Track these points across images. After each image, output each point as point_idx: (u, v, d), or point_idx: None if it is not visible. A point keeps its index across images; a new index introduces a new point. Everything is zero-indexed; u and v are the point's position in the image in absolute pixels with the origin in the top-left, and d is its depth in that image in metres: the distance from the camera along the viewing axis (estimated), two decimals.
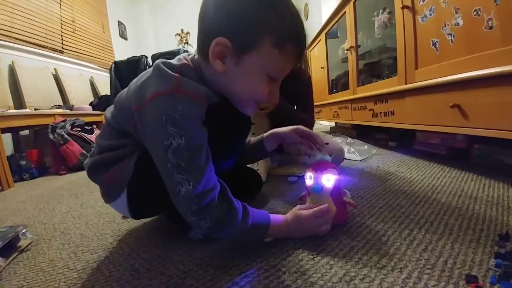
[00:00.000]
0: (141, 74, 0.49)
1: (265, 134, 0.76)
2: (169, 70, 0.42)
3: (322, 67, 2.36)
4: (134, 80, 0.50)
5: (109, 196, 0.56)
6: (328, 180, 0.57)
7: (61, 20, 2.61)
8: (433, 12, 0.92)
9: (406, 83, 1.12)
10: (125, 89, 0.52)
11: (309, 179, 0.60)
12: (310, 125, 1.15)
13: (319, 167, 0.59)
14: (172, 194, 0.42)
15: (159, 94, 0.40)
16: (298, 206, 0.57)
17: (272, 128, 1.13)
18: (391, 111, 1.26)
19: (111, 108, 0.56)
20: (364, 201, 0.71)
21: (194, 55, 0.49)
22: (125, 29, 4.14)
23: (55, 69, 2.46)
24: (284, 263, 0.47)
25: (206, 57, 0.42)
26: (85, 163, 0.57)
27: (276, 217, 0.53)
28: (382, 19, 1.42)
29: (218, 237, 0.54)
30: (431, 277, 0.38)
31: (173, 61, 0.47)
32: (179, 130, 0.39)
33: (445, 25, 0.87)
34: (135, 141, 0.50)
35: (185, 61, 0.46)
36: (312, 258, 0.47)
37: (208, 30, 0.42)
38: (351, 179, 0.94)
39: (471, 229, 0.51)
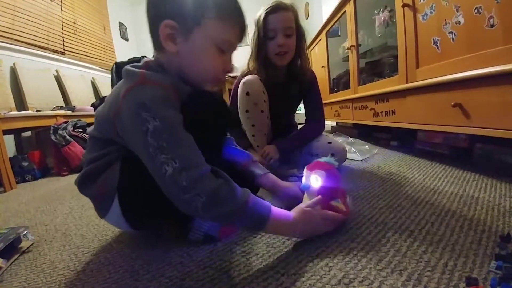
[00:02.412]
0: (114, 87, 0.52)
1: (261, 176, 0.72)
2: (134, 69, 0.47)
3: (323, 66, 2.36)
4: (108, 95, 0.53)
5: (102, 208, 0.55)
6: (316, 180, 0.57)
7: (62, 21, 2.62)
8: (433, 10, 0.92)
9: (407, 82, 1.11)
10: (103, 104, 0.55)
11: (304, 177, 0.61)
12: (320, 131, 1.12)
13: (314, 166, 0.59)
14: (160, 178, 0.41)
15: (128, 90, 0.43)
16: (302, 204, 0.55)
17: (273, 130, 1.13)
18: (392, 111, 1.25)
19: (93, 126, 0.57)
20: (365, 202, 0.71)
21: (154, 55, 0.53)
22: (126, 30, 4.15)
23: (56, 70, 2.47)
24: (283, 265, 0.47)
25: (160, 46, 0.47)
26: (75, 181, 0.57)
27: (280, 210, 0.50)
28: (383, 18, 1.41)
29: (217, 220, 0.48)
30: (431, 279, 0.38)
31: (138, 64, 0.51)
32: (151, 113, 0.40)
33: (446, 23, 0.86)
34: (119, 146, 0.51)
35: (148, 60, 0.51)
36: (311, 260, 0.47)
37: (153, 19, 0.46)
38: (348, 182, 0.94)
39: (472, 230, 0.51)
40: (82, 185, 0.56)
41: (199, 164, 0.42)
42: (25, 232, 0.68)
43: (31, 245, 0.68)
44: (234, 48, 0.51)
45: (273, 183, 0.72)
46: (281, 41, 0.95)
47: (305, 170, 0.61)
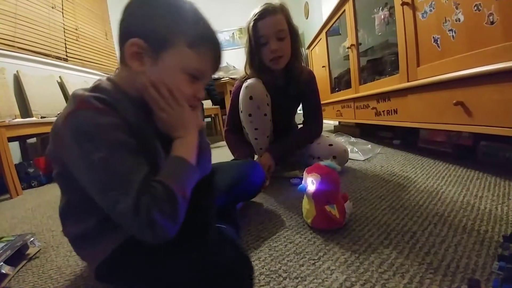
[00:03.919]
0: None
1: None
2: (78, 91, 0.40)
3: (323, 66, 2.35)
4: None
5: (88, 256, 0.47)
6: (312, 183, 0.57)
7: (64, 28, 2.65)
8: (433, 8, 0.91)
9: (408, 81, 1.11)
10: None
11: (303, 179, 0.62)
12: (317, 134, 1.11)
13: (313, 169, 0.60)
14: (115, 217, 0.36)
15: (66, 116, 0.37)
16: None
17: (274, 133, 1.13)
18: (394, 109, 1.25)
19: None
20: (367, 203, 0.71)
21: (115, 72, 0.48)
22: None
23: (60, 77, 2.50)
24: (285, 268, 0.47)
25: (123, 61, 0.43)
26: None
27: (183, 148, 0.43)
28: (382, 16, 1.41)
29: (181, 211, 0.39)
30: (433, 281, 0.38)
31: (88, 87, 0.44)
32: (93, 143, 0.36)
33: (445, 21, 0.86)
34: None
35: (98, 82, 0.44)
36: (313, 263, 0.47)
37: (122, 34, 0.43)
38: (351, 184, 0.94)
39: (475, 231, 0.50)
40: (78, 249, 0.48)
41: (148, 188, 0.36)
42: (32, 239, 0.69)
43: (38, 251, 0.69)
44: (207, 78, 0.47)
45: None
46: (274, 46, 0.93)
47: (304, 173, 0.61)
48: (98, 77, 3.28)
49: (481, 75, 0.73)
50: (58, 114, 0.42)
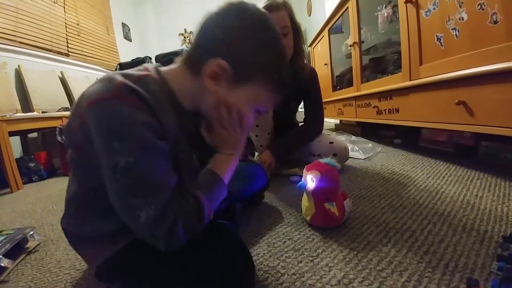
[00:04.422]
0: None
1: None
2: (116, 76, 0.37)
3: (325, 64, 2.34)
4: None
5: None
6: (312, 181, 0.57)
7: (65, 23, 2.64)
8: (437, 6, 0.90)
9: (410, 80, 1.10)
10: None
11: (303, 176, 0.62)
12: (318, 132, 1.11)
13: (312, 167, 0.59)
14: (131, 222, 0.34)
15: (96, 101, 0.34)
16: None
17: (275, 131, 1.13)
18: (395, 108, 1.24)
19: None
20: (367, 202, 0.71)
21: (160, 66, 0.45)
22: (129, 30, 4.17)
23: (61, 72, 2.50)
24: (284, 265, 0.47)
25: (195, 70, 0.41)
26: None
27: (217, 161, 0.45)
28: (385, 14, 1.40)
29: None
30: (431, 280, 0.38)
31: (133, 71, 0.41)
32: (124, 144, 0.33)
33: (449, 20, 0.85)
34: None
35: (146, 71, 0.41)
36: (311, 260, 0.47)
37: (208, 46, 0.40)
38: (351, 182, 0.93)
39: (475, 230, 0.50)
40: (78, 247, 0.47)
41: (172, 204, 0.34)
42: (31, 233, 0.69)
43: (37, 245, 0.70)
44: (266, 113, 0.49)
45: None
46: None
47: (304, 170, 0.61)
48: (99, 73, 3.24)
49: (484, 74, 0.72)
50: (89, 89, 0.37)
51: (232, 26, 0.39)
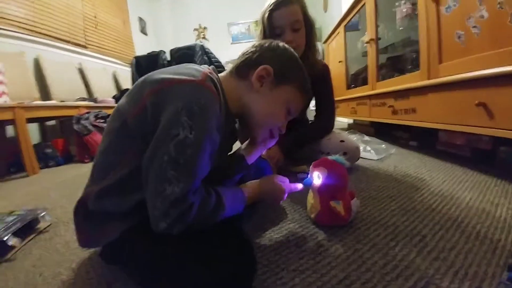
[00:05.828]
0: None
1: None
2: (199, 67, 0.45)
3: (340, 61, 2.28)
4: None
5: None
6: (318, 177, 0.55)
7: (83, 15, 2.71)
8: (457, 3, 0.85)
9: (429, 78, 1.05)
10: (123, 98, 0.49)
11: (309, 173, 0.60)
12: (328, 130, 1.07)
13: (319, 164, 0.58)
14: (153, 191, 0.36)
15: (183, 81, 0.39)
16: (276, 176, 0.58)
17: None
18: (412, 108, 1.19)
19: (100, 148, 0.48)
20: (376, 203, 0.68)
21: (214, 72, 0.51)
22: (145, 24, 4.24)
23: (79, 63, 2.57)
24: (284, 260, 0.46)
25: (242, 75, 0.51)
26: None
27: (249, 187, 0.53)
28: (404, 10, 1.34)
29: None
30: (439, 287, 0.36)
31: (198, 67, 0.47)
32: (192, 122, 0.36)
33: (469, 17, 0.80)
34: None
35: (208, 70, 0.47)
36: (313, 258, 0.46)
37: (255, 60, 0.51)
38: (361, 182, 0.91)
39: (488, 239, 0.47)
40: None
41: (195, 194, 0.38)
42: (42, 214, 0.71)
43: (48, 225, 0.72)
44: (294, 116, 0.56)
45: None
46: (289, 37, 0.91)
47: (311, 166, 0.60)
48: (116, 65, 3.33)
49: (505, 75, 0.68)
50: (159, 74, 0.42)
51: (276, 47, 0.53)
